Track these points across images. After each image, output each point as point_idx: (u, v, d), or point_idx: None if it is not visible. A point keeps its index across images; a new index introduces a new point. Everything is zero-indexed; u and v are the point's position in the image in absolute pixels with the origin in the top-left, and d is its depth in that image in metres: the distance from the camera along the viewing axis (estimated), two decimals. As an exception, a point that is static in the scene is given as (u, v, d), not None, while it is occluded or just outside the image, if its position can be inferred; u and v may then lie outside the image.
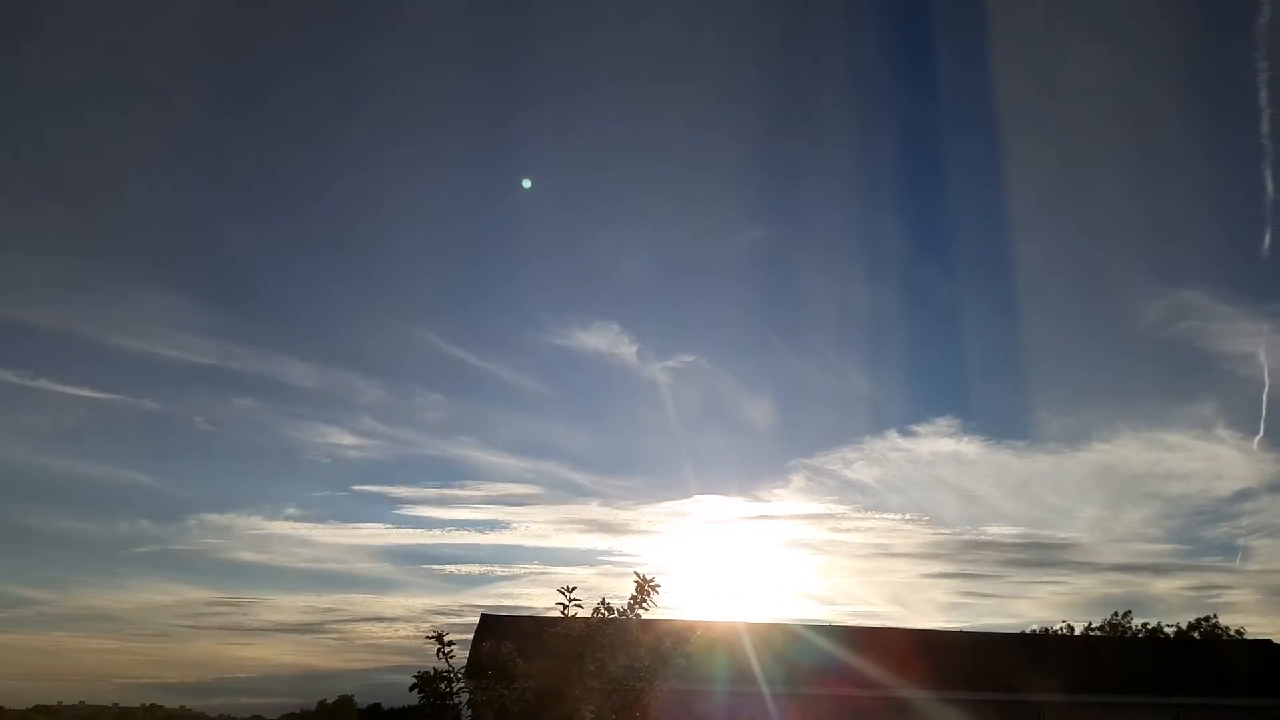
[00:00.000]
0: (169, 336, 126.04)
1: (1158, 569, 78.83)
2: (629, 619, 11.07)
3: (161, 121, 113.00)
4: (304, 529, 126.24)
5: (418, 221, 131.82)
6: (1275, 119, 73.76)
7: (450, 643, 10.77)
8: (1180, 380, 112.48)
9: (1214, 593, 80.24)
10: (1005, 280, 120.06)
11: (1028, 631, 45.01)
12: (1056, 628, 47.02)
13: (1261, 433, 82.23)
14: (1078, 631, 46.32)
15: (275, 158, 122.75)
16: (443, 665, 10.76)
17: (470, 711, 11.27)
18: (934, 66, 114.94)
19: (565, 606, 11.06)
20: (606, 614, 11.07)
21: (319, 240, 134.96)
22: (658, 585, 11.13)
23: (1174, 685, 25.10)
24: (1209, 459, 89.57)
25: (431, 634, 10.80)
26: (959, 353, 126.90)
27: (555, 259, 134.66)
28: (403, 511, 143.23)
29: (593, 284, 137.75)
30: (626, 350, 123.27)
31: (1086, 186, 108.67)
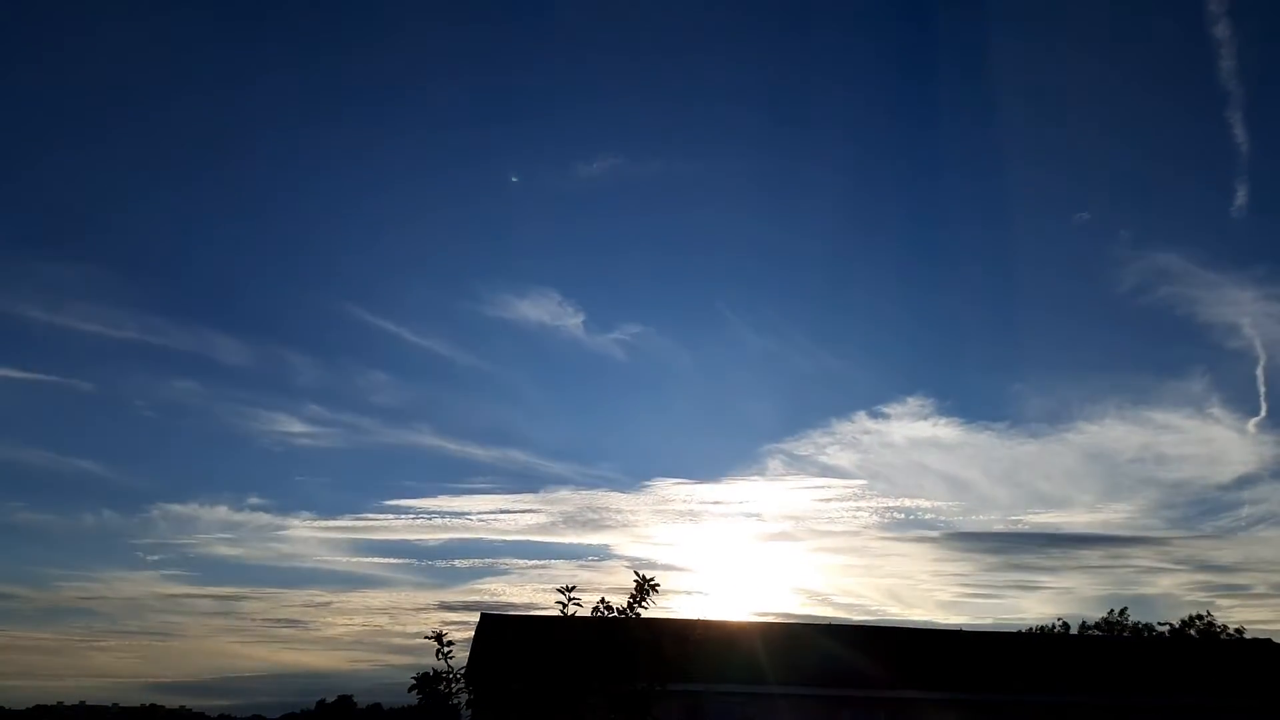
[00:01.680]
0: (80, 308, 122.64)
1: (1156, 561, 77.50)
2: (629, 618, 11.09)
3: (70, 80, 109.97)
4: (275, 521, 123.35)
5: (336, 191, 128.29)
6: (1243, 67, 72.14)
7: (450, 643, 10.80)
8: (1164, 353, 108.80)
9: (1216, 588, 78.74)
10: (973, 248, 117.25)
11: (1022, 630, 45.13)
12: (1052, 626, 47.11)
13: (1263, 413, 79.65)
14: (1073, 630, 46.39)
15: (190, 120, 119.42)
16: (442, 666, 10.79)
17: (470, 712, 11.29)
18: (906, 29, 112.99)
19: (565, 606, 11.08)
20: (606, 613, 11.09)
21: (235, 208, 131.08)
22: (657, 584, 11.15)
23: (1172, 685, 25.13)
24: (1204, 441, 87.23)
25: (431, 634, 10.82)
26: (925, 328, 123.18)
27: (481, 226, 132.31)
28: (369, 503, 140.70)
29: (525, 251, 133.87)
30: (572, 321, 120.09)
31: (1054, 145, 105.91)
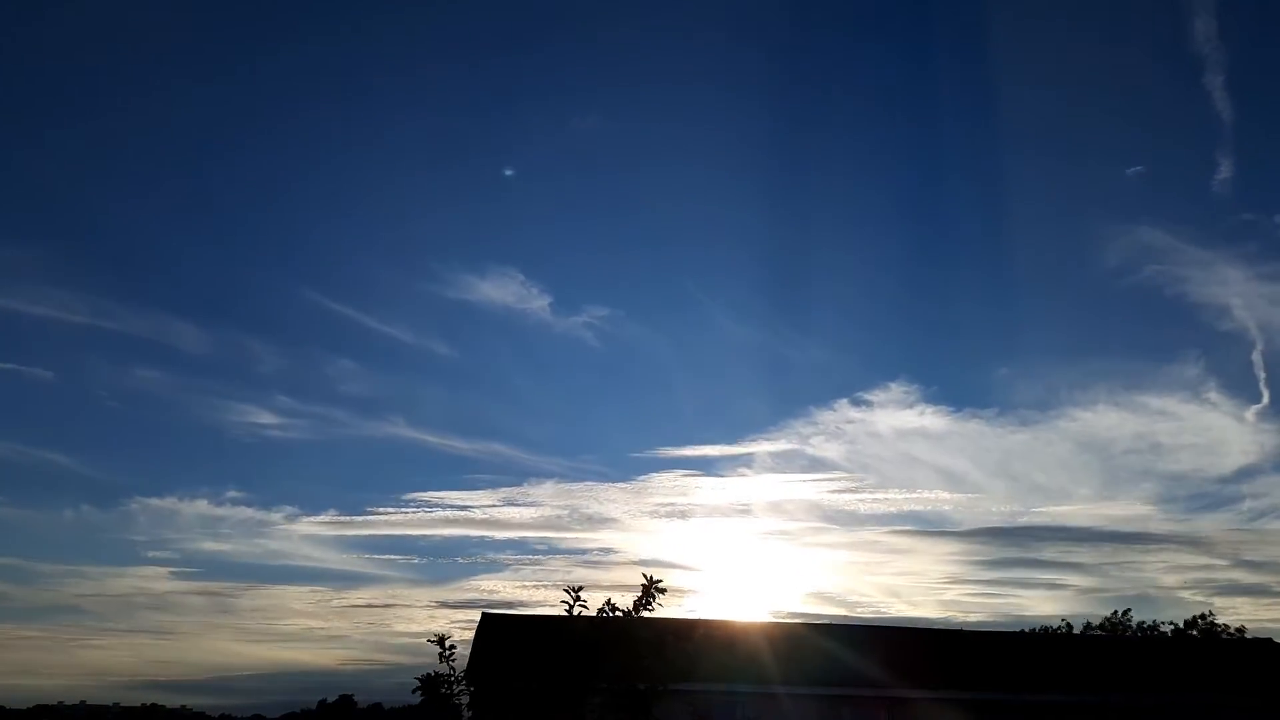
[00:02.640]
0: (27, 290, 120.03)
1: (1158, 557, 76.32)
2: (635, 618, 11.06)
3: (18, 60, 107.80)
4: (258, 515, 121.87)
5: (288, 171, 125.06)
6: (1223, 30, 69.04)
7: (452, 645, 10.78)
8: (1154, 335, 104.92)
9: (1220, 585, 77.11)
10: (951, 229, 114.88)
11: (1024, 630, 45.12)
12: (1055, 626, 47.10)
13: (1265, 400, 77.25)
14: (1076, 630, 46.38)
15: (140, 101, 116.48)
16: (444, 668, 10.77)
17: (471, 712, 11.26)
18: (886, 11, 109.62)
19: (570, 606, 11.05)
20: (612, 614, 11.06)
21: (183, 189, 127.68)
22: (663, 585, 11.11)
23: (1174, 684, 25.09)
24: (1203, 430, 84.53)
25: (433, 636, 10.81)
26: (905, 312, 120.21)
27: (438, 203, 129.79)
28: (353, 497, 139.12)
29: (485, 228, 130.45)
30: (538, 304, 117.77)
31: (1032, 118, 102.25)
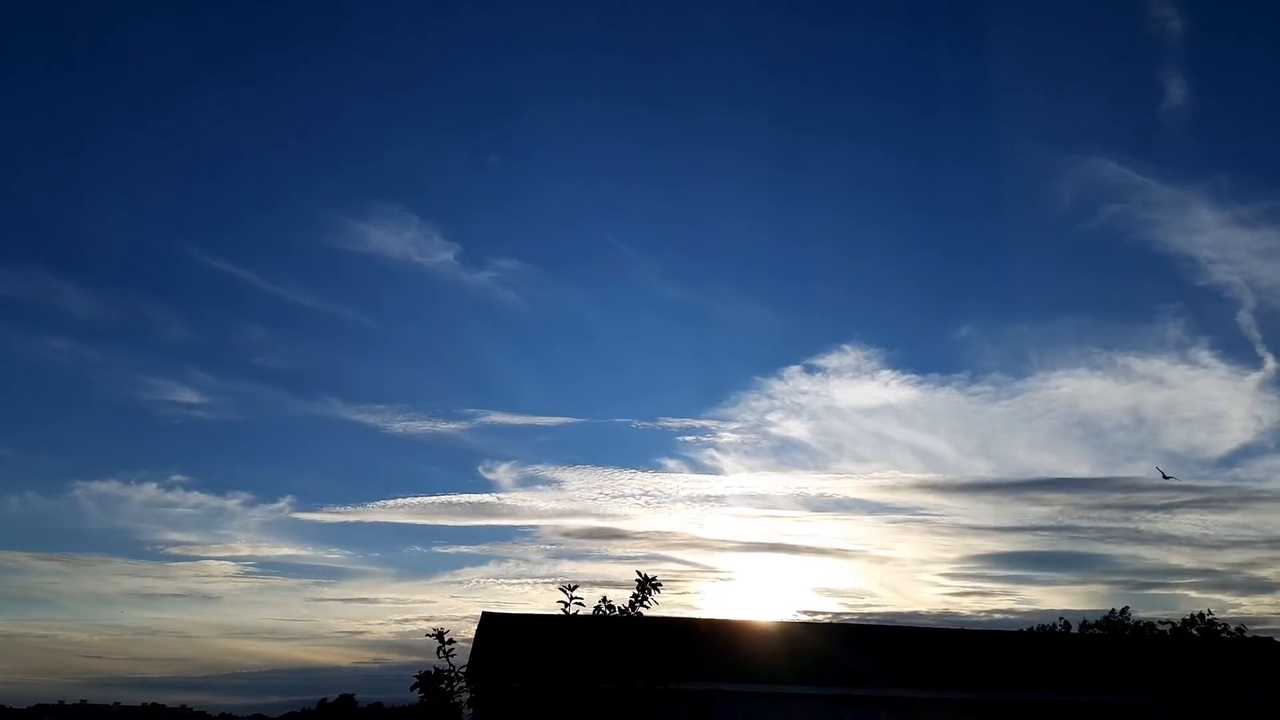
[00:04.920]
0: None
1: (1158, 551, 74.10)
2: (630, 616, 11.09)
3: None
4: (211, 501, 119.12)
5: (157, 115, 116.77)
6: None
7: (452, 641, 10.81)
8: (1126, 288, 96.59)
9: (1226, 580, 74.69)
10: (889, 170, 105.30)
11: (1023, 629, 45.14)
12: (1053, 625, 47.14)
13: (1270, 364, 72.47)
14: (1074, 629, 46.42)
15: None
16: (444, 664, 10.80)
17: (471, 711, 11.30)
18: None
19: (566, 605, 11.08)
20: (608, 612, 11.09)
21: (51, 142, 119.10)
22: (659, 583, 11.16)
23: (1173, 684, 25.12)
24: (1202, 398, 79.51)
25: (432, 631, 10.84)
26: (849, 266, 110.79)
27: (317, 139, 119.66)
28: (293, 484, 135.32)
29: (372, 166, 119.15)
30: (443, 256, 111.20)
31: (958, 44, 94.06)
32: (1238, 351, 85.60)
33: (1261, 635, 38.61)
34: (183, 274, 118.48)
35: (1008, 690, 24.05)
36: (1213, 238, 76.39)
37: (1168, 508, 77.31)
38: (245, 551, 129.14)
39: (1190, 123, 79.33)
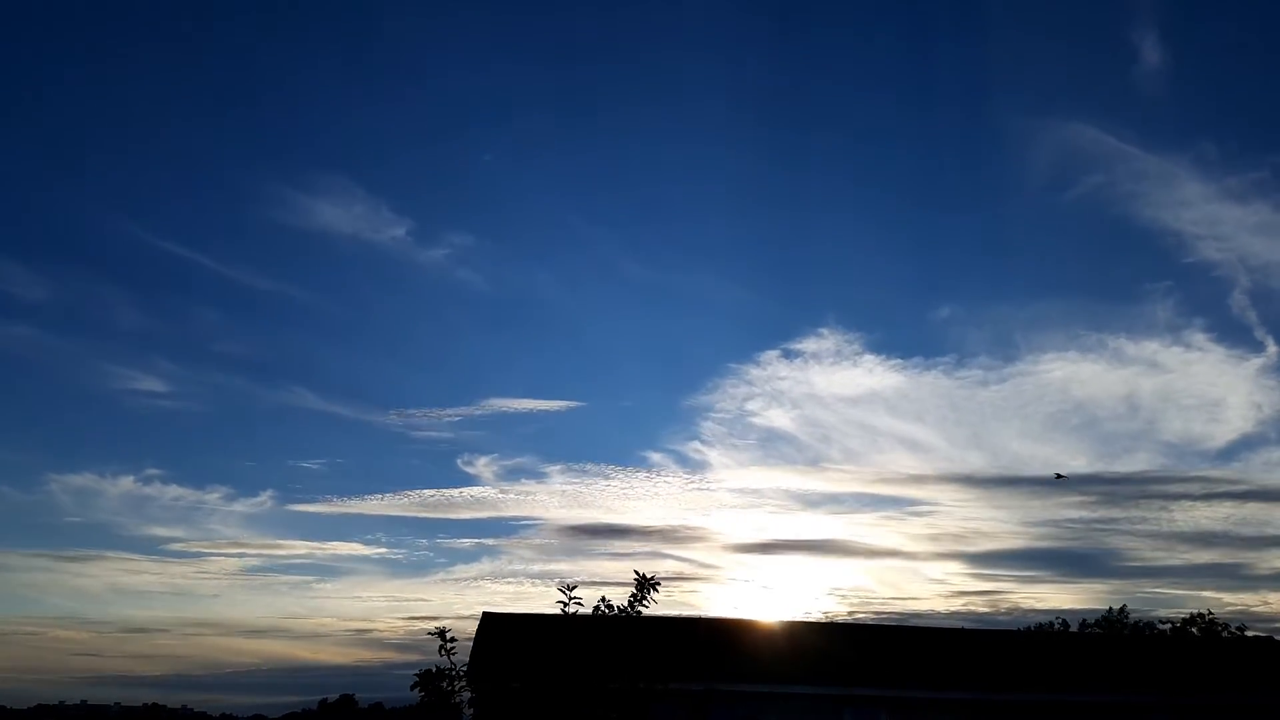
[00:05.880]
0: None
1: (1160, 545, 72.91)
2: (630, 616, 11.13)
3: None
4: (191, 495, 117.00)
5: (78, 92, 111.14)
6: None
7: (454, 640, 10.85)
8: (1111, 265, 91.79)
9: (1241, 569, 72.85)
10: (859, 142, 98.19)
11: (1021, 629, 45.15)
12: (1051, 624, 47.16)
13: (1272, 348, 69.28)
14: (1073, 628, 46.44)
15: None
16: (445, 663, 10.84)
17: (472, 710, 11.34)
18: None
19: (565, 605, 11.11)
20: (607, 612, 11.13)
21: None
22: (658, 583, 11.19)
23: (1173, 684, 25.14)
24: (1202, 384, 76.35)
25: (434, 631, 10.88)
26: (823, 245, 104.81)
27: (262, 116, 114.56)
28: (272, 478, 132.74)
29: (314, 136, 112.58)
30: (394, 231, 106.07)
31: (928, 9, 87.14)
32: (1235, 335, 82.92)
33: (1262, 635, 38.62)
34: (130, 254, 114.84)
35: (1008, 690, 24.08)
36: (1201, 212, 73.78)
37: (1167, 499, 76.02)
38: (232, 548, 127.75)
39: (1170, 85, 75.51)
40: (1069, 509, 78.86)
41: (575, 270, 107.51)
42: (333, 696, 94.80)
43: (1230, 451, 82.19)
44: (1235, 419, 77.78)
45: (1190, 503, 76.89)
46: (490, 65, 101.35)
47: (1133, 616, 45.92)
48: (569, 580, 11.05)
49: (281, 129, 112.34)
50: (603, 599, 11.15)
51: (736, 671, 23.40)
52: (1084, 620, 46.77)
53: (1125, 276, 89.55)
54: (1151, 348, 75.28)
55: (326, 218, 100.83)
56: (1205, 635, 42.89)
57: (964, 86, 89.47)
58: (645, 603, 11.20)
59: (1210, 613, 44.77)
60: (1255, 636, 35.83)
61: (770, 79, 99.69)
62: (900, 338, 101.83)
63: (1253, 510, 75.45)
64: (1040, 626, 46.86)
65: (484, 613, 24.77)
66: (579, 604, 11.07)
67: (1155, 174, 75.62)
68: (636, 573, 11.27)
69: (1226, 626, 43.69)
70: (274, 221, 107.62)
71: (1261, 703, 24.55)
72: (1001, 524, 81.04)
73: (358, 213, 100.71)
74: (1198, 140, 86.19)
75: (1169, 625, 45.33)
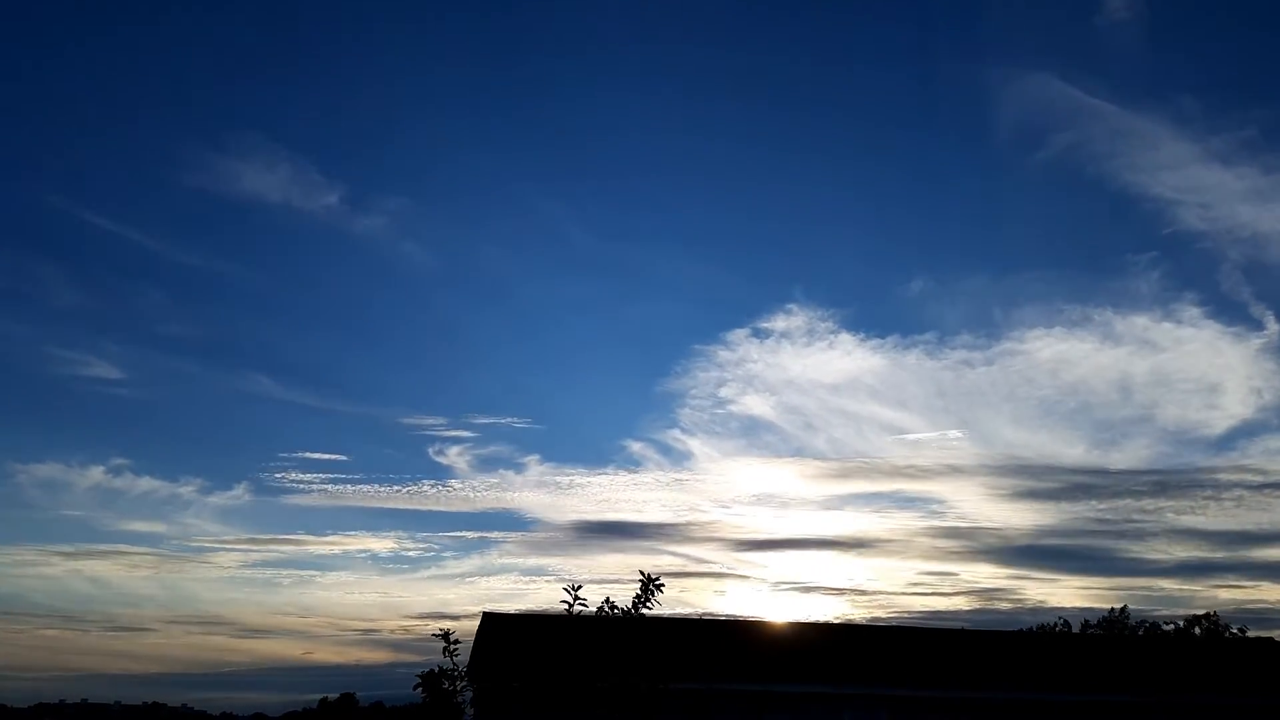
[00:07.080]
0: None
1: (1160, 544, 72.12)
2: (637, 616, 11.11)
3: None
4: (163, 488, 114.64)
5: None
6: None
7: (456, 641, 10.85)
8: (1090, 233, 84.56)
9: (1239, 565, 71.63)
10: (818, 114, 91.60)
11: (1021, 629, 45.15)
12: (1053, 624, 47.17)
13: (1272, 328, 65.52)
14: (1075, 629, 46.45)
15: None
16: (447, 663, 10.83)
17: (473, 710, 11.33)
18: None
19: (570, 605, 11.10)
20: (611, 612, 11.10)
21: None
22: (662, 583, 11.16)
23: (1175, 684, 25.13)
24: (1200, 364, 72.76)
25: (438, 632, 10.87)
26: (784, 215, 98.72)
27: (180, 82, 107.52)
28: (245, 469, 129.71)
29: (225, 91, 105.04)
30: (325, 199, 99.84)
31: None
32: (1230, 311, 79.71)
33: (1263, 636, 38.57)
34: (57, 229, 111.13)
35: (1008, 690, 24.08)
36: (1183, 176, 69.30)
37: (1166, 493, 75.11)
38: (216, 541, 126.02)
39: (1141, 34, 69.48)
40: (1070, 503, 77.29)
41: (527, 243, 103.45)
42: (333, 695, 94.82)
43: (1229, 439, 79.21)
44: (1234, 405, 74.44)
45: (1193, 498, 75.91)
46: (430, 22, 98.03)
47: (1135, 616, 45.97)
48: (572, 581, 11.08)
49: (189, 85, 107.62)
50: (607, 599, 11.14)
51: (737, 671, 23.40)
52: (1085, 621, 46.83)
53: (1105, 246, 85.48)
54: (1141, 323, 72.05)
55: (251, 183, 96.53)
56: (1207, 636, 42.88)
57: (921, 39, 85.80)
58: (650, 604, 11.17)
59: (1214, 613, 44.80)
60: (1257, 638, 35.79)
61: (729, 51, 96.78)
62: (873, 314, 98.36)
63: (1256, 500, 73.95)
64: (1042, 626, 46.90)
65: (484, 613, 24.77)
66: (584, 604, 11.04)
67: (1130, 132, 70.58)
68: (641, 572, 11.24)
69: (1229, 627, 43.72)
70: (197, 188, 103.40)
71: (1262, 703, 24.55)
72: (1003, 519, 79.67)
73: (283, 175, 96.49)
74: (1175, 95, 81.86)
75: (1172, 626, 45.35)
